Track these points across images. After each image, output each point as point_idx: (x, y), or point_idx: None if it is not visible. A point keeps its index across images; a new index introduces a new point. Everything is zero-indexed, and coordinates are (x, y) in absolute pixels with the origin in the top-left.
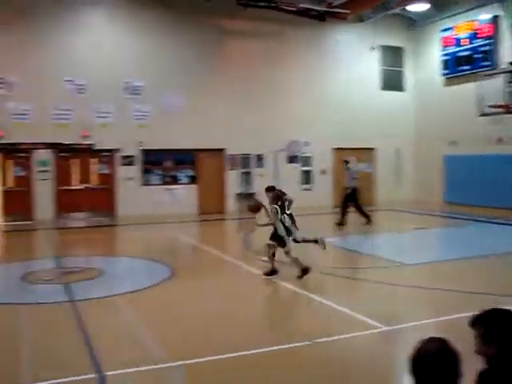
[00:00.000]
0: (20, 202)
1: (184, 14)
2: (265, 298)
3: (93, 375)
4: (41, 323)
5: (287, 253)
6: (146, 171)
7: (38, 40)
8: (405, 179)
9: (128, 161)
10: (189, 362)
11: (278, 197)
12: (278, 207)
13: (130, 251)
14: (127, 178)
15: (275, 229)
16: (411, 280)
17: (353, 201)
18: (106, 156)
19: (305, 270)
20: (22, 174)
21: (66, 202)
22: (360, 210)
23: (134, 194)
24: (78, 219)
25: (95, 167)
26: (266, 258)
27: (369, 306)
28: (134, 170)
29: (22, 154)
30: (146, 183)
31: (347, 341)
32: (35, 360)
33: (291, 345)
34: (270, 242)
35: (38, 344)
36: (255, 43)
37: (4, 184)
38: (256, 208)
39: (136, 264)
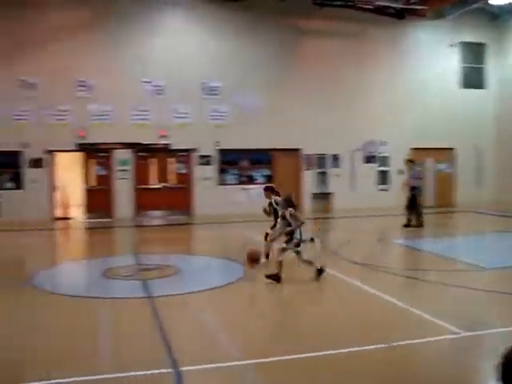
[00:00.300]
0: (101, 200)
1: (260, 14)
2: (339, 298)
3: (169, 370)
4: (119, 318)
5: (280, 257)
6: (223, 171)
7: (117, 41)
8: (486, 179)
9: (205, 160)
10: (263, 360)
11: (289, 200)
12: (294, 211)
13: (206, 250)
14: (204, 178)
15: (290, 234)
16: (493, 284)
17: (413, 201)
18: (183, 156)
19: (277, 277)
20: (103, 173)
21: (144, 200)
22: (410, 211)
23: (211, 194)
24: (156, 217)
25: (173, 167)
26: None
27: (449, 310)
28: (211, 170)
29: (102, 154)
30: (222, 183)
31: (426, 345)
32: (113, 352)
33: (367, 347)
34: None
35: (116, 337)
36: (332, 42)
37: (87, 183)
38: (255, 258)
39: (212, 262)
